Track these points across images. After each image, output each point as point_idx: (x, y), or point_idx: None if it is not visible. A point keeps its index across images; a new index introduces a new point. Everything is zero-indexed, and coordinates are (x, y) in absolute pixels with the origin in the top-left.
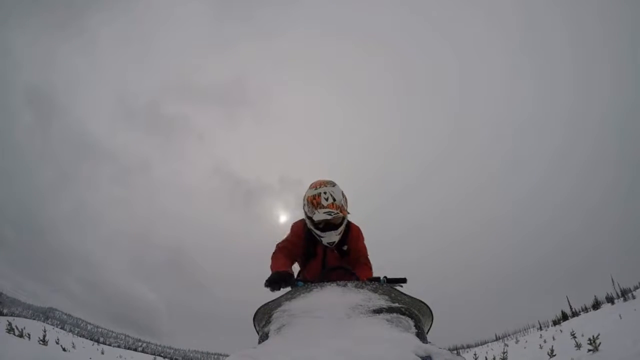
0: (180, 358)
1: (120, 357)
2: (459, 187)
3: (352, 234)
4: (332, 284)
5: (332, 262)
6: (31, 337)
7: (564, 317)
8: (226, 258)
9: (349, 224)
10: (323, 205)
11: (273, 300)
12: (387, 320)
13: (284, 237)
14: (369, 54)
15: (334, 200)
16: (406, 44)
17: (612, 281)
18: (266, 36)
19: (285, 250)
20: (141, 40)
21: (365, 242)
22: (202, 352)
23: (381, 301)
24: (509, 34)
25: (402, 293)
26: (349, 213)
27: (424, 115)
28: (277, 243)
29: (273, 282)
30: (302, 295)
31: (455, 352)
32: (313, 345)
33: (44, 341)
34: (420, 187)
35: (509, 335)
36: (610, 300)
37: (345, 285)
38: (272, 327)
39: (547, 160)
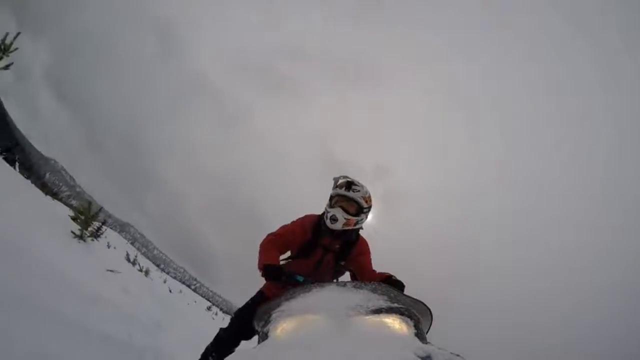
0: (225, 308)
1: (181, 292)
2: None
3: (360, 247)
4: (331, 284)
5: (325, 267)
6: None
7: None
8: None
9: (359, 236)
10: (354, 183)
11: (273, 300)
12: (387, 320)
13: (284, 226)
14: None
15: (364, 188)
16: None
17: None
18: (399, 25)
19: (277, 243)
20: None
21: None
22: None
23: (380, 301)
24: None
25: (401, 293)
26: (367, 209)
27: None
28: (269, 233)
29: (273, 276)
30: (301, 295)
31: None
32: (312, 345)
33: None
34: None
35: None
36: None
37: (344, 286)
38: (272, 327)
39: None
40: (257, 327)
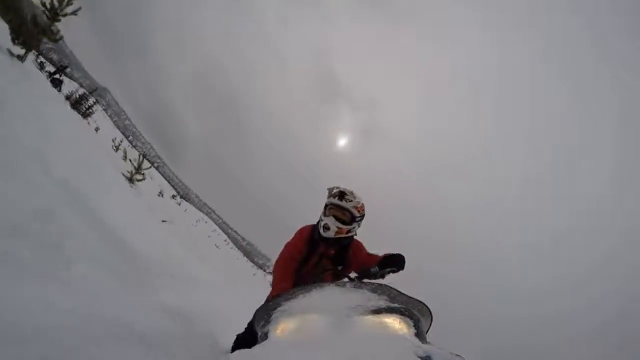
0: (181, 192)
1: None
2: None
3: (354, 247)
4: (331, 285)
5: (322, 270)
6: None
7: None
8: (278, 135)
9: (353, 239)
10: (346, 193)
11: (273, 301)
12: (387, 320)
13: (287, 244)
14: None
15: (357, 198)
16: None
17: None
18: None
19: (287, 265)
20: None
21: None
22: (200, 200)
23: (380, 301)
24: None
25: (401, 293)
26: (359, 218)
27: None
28: (278, 257)
29: None
30: (301, 295)
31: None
32: (312, 345)
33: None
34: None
35: None
36: None
37: (344, 286)
38: (272, 328)
39: None
40: (256, 328)
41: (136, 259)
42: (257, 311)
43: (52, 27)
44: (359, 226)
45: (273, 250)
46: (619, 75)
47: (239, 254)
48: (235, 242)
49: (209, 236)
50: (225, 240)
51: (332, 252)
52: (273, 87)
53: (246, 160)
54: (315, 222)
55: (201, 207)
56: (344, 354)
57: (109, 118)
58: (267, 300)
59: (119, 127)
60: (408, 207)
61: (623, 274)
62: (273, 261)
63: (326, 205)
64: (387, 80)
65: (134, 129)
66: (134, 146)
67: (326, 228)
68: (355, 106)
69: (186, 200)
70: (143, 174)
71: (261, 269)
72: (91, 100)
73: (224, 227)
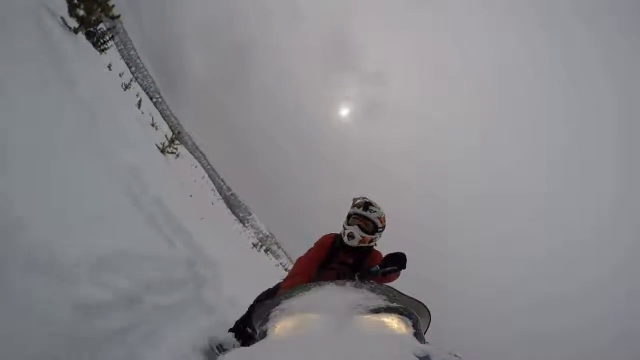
0: (175, 132)
1: (143, 113)
2: None
3: (373, 257)
4: (331, 284)
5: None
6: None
7: None
8: (281, 90)
9: (372, 249)
10: (371, 204)
11: (272, 299)
12: (386, 320)
13: (310, 249)
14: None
15: (381, 210)
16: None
17: None
18: None
19: (304, 266)
20: None
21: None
22: (194, 143)
23: (380, 301)
24: None
25: (400, 293)
26: (382, 229)
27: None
28: (304, 255)
29: None
30: (301, 294)
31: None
32: (311, 344)
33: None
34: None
35: None
36: None
37: (344, 285)
38: (270, 326)
39: None
40: (255, 326)
41: (203, 256)
42: (256, 309)
43: (109, 2)
44: (380, 236)
45: (256, 205)
46: (620, 79)
47: (224, 206)
48: (221, 191)
49: (203, 187)
50: (213, 190)
51: (351, 260)
52: (285, 42)
53: (245, 109)
54: (337, 232)
55: (194, 150)
56: (343, 353)
57: (115, 46)
58: (273, 293)
59: (123, 57)
60: (401, 194)
61: (623, 290)
62: (255, 216)
63: (350, 215)
64: (402, 60)
65: (138, 61)
66: (136, 78)
67: (351, 237)
68: (364, 79)
69: (179, 142)
70: (176, 149)
71: (242, 223)
72: (107, 37)
73: (212, 174)
